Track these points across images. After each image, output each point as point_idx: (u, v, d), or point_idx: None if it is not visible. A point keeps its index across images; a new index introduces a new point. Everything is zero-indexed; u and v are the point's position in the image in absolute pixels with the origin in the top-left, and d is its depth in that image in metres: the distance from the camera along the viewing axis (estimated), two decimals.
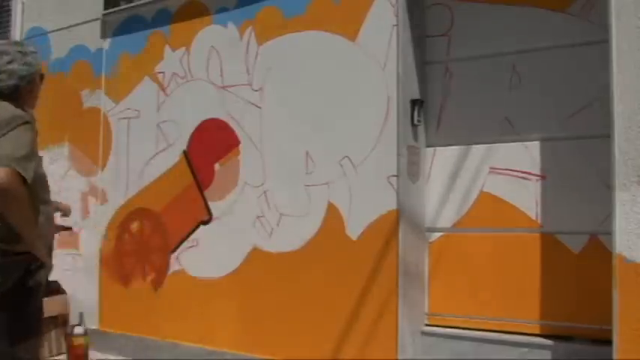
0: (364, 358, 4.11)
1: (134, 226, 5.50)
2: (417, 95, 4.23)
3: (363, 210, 4.20)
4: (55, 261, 4.91)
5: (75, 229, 5.80)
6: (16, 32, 6.64)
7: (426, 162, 4.30)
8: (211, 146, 5.04)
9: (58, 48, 6.22)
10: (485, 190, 4.07)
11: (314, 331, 4.34)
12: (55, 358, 5.29)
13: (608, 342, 3.16)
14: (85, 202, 5.82)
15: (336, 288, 4.27)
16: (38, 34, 6.44)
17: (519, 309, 3.89)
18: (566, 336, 3.73)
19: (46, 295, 5.09)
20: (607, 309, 3.15)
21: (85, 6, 5.96)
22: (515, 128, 4.00)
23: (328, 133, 4.40)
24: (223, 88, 5.00)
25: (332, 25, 4.42)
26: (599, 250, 3.63)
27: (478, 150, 4.10)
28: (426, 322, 4.21)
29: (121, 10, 5.67)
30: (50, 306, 5.10)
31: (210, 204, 5.02)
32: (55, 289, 5.48)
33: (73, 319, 5.52)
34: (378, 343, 4.06)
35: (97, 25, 5.86)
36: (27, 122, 2.68)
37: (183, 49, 5.26)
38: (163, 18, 5.40)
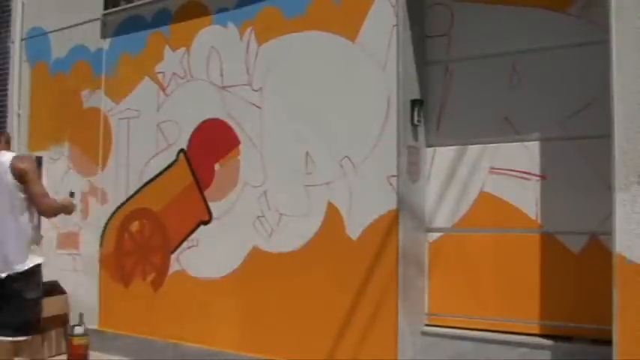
0: (364, 358, 4.11)
1: (134, 226, 5.50)
2: (417, 95, 4.23)
3: (363, 210, 4.20)
4: (55, 261, 5.03)
5: (75, 229, 5.82)
6: (16, 32, 6.64)
7: (426, 162, 4.30)
8: (211, 146, 5.04)
9: (58, 48, 6.22)
10: (485, 190, 4.07)
11: (314, 331, 4.34)
12: (55, 358, 5.29)
13: (608, 342, 3.16)
14: (85, 202, 5.82)
15: (335, 288, 4.27)
16: (38, 34, 6.45)
17: (519, 309, 3.89)
18: (566, 336, 3.73)
19: (45, 295, 5.11)
20: (607, 309, 3.15)
21: (85, 6, 5.96)
22: (515, 128, 3.99)
23: (328, 133, 4.40)
24: (223, 88, 5.00)
25: (332, 25, 4.42)
26: (599, 250, 3.63)
27: (478, 150, 4.10)
28: (426, 322, 4.21)
29: (121, 10, 5.68)
30: (50, 306, 5.11)
31: (210, 204, 5.02)
32: (55, 289, 5.48)
33: (73, 319, 5.54)
34: (378, 343, 4.06)
35: (97, 25, 5.86)
36: None
37: (183, 49, 5.26)
38: (163, 18, 5.40)
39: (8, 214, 3.69)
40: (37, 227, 3.86)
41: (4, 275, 3.66)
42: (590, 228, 3.69)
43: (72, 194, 4.34)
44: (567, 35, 3.85)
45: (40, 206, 3.75)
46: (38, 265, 3.80)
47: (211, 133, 5.06)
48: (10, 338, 3.66)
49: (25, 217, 3.73)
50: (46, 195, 3.79)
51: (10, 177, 3.66)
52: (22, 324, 3.70)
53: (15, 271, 3.68)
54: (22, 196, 3.71)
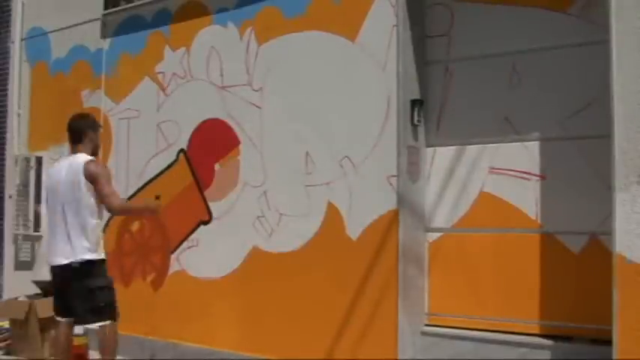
0: (364, 358, 4.11)
1: (134, 226, 5.50)
2: (417, 95, 4.23)
3: (363, 210, 4.20)
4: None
5: None
6: (16, 32, 6.64)
7: (426, 162, 4.30)
8: (211, 146, 5.04)
9: (58, 48, 6.23)
10: (485, 190, 4.07)
11: (314, 331, 4.34)
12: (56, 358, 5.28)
13: (608, 342, 3.16)
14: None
15: (335, 288, 4.27)
16: (38, 34, 6.45)
17: (519, 309, 3.89)
18: (566, 336, 3.73)
19: (45, 295, 5.12)
20: (607, 309, 3.15)
21: (85, 6, 5.97)
22: (515, 128, 3.99)
23: (328, 133, 4.40)
24: (223, 88, 5.00)
25: (332, 25, 4.42)
26: (599, 250, 3.63)
27: (478, 150, 4.10)
28: (426, 322, 4.21)
29: (121, 10, 5.68)
30: (50, 306, 5.11)
31: (210, 204, 5.02)
32: None
33: None
34: (378, 343, 4.06)
35: (97, 25, 5.86)
36: None
37: (183, 49, 5.26)
38: (163, 18, 5.40)
39: (72, 210, 3.99)
40: (97, 226, 4.10)
41: (66, 262, 3.96)
42: (590, 228, 3.69)
43: (158, 197, 4.72)
44: (567, 35, 3.85)
45: (109, 204, 4.00)
46: (99, 260, 4.07)
47: (211, 133, 5.06)
48: (85, 325, 4.18)
49: (88, 215, 3.99)
50: (114, 194, 4.06)
51: (82, 177, 3.96)
52: (89, 311, 3.98)
53: (78, 260, 3.96)
54: (91, 195, 3.99)
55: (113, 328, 4.05)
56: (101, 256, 4.07)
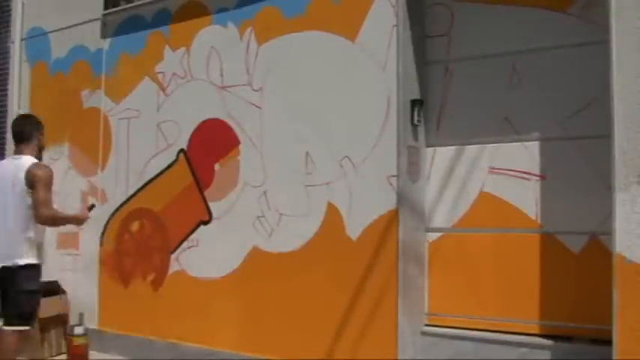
0: (364, 358, 4.11)
1: (134, 226, 5.50)
2: (417, 95, 4.23)
3: (363, 210, 4.20)
4: (55, 261, 4.96)
5: (75, 229, 5.80)
6: (16, 32, 6.64)
7: (426, 162, 4.30)
8: (211, 146, 5.04)
9: (58, 48, 6.23)
10: (485, 190, 4.07)
11: (314, 331, 4.34)
12: (55, 358, 5.29)
13: (608, 342, 3.16)
14: (85, 202, 5.81)
15: (335, 288, 4.27)
16: (38, 34, 6.45)
17: (519, 309, 3.89)
18: (566, 336, 3.73)
19: (45, 295, 5.11)
20: (607, 309, 3.15)
21: (85, 6, 5.96)
22: (515, 128, 4.00)
23: (328, 133, 4.40)
24: (223, 88, 5.00)
25: (332, 25, 4.42)
26: (599, 250, 3.63)
27: (478, 150, 4.10)
28: (426, 322, 4.21)
29: (121, 10, 5.68)
30: (50, 306, 5.12)
31: (210, 204, 5.02)
32: (55, 289, 5.47)
33: (73, 319, 5.53)
34: (378, 343, 4.06)
35: (97, 25, 5.86)
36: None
37: (183, 49, 5.26)
38: (163, 18, 5.40)
39: (13, 212, 3.88)
40: (39, 231, 3.98)
41: (4, 264, 3.84)
42: (590, 228, 3.69)
43: (92, 207, 4.42)
44: (567, 35, 3.85)
45: (37, 212, 3.86)
46: (35, 265, 3.94)
47: (211, 133, 5.06)
48: (12, 328, 3.82)
49: (28, 219, 3.88)
50: (46, 203, 3.89)
51: (23, 179, 3.85)
52: (20, 314, 3.86)
53: (15, 264, 3.84)
54: (29, 200, 3.87)
55: (21, 334, 3.92)
56: (35, 260, 3.93)
